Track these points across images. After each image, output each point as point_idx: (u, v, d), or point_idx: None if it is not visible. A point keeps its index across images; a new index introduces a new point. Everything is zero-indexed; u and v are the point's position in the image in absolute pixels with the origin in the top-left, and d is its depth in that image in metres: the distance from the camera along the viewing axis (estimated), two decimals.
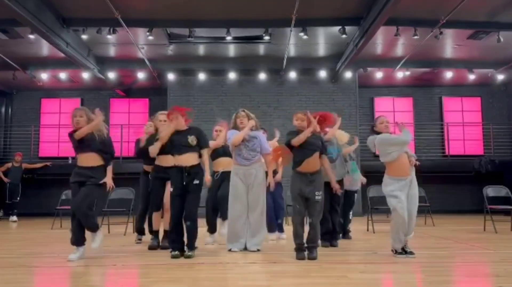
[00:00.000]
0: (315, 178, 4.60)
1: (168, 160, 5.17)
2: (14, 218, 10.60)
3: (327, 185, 4.84)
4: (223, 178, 5.71)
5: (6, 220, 10.82)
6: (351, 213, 6.53)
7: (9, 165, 11.05)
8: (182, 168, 4.73)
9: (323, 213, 5.08)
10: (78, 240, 4.56)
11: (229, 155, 5.56)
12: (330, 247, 5.42)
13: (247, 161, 5.14)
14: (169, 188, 5.29)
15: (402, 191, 4.58)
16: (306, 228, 4.61)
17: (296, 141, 4.59)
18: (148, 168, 5.77)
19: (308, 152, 4.60)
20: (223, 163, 5.79)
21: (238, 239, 5.13)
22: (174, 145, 4.84)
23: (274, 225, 6.24)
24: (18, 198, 10.88)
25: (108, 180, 4.71)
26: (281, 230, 6.33)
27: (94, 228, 4.62)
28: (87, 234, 4.63)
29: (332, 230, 5.53)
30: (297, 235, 4.57)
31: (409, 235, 4.68)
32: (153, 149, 5.19)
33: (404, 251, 4.66)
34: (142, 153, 5.62)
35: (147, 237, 5.74)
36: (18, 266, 4.38)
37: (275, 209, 6.22)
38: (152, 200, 5.51)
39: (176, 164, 4.79)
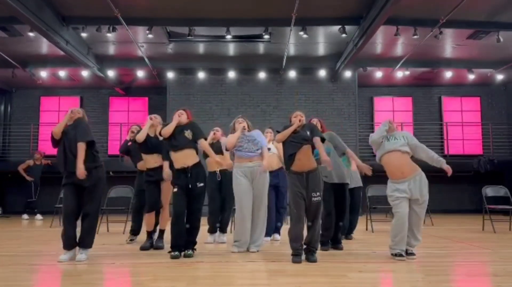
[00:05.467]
0: (312, 178, 4.42)
1: (155, 160, 5.22)
2: (39, 216, 10.37)
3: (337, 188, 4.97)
4: (222, 178, 5.73)
5: (6, 218, 10.80)
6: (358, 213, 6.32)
7: (30, 162, 10.90)
8: (185, 170, 4.67)
9: (330, 217, 5.07)
10: (71, 244, 4.48)
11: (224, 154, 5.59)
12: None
13: (251, 153, 5.02)
14: (165, 188, 5.31)
15: (403, 194, 4.44)
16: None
17: (281, 137, 4.55)
18: (140, 166, 5.74)
19: (296, 145, 4.44)
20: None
21: (244, 240, 5.06)
22: (172, 139, 4.72)
23: (272, 227, 6.19)
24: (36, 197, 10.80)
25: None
26: (277, 231, 6.23)
27: (91, 243, 4.58)
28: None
29: (335, 234, 5.25)
30: (295, 239, 4.37)
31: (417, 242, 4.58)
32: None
33: (405, 252, 4.51)
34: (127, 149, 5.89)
35: (142, 237, 5.72)
36: (17, 264, 4.37)
37: (276, 213, 6.17)
38: (147, 201, 5.41)
39: (177, 165, 4.72)
